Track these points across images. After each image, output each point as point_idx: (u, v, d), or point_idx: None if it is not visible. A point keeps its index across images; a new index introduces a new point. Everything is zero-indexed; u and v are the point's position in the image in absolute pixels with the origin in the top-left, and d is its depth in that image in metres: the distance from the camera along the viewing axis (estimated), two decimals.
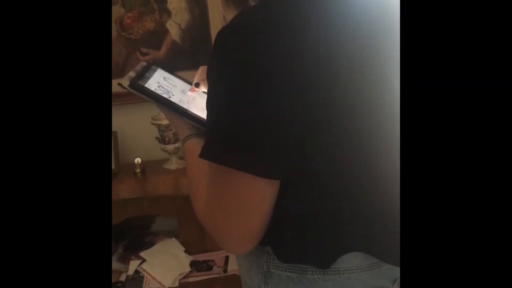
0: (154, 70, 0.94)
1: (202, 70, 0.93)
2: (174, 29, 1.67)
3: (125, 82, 0.86)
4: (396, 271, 0.74)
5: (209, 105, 0.66)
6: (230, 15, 0.77)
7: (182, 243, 1.63)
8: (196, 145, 0.81)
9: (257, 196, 0.64)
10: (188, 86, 0.97)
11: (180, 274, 1.46)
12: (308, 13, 0.61)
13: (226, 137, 0.62)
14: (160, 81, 0.91)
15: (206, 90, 0.93)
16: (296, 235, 0.69)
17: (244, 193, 0.64)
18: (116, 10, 1.65)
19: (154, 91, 0.87)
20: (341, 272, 0.71)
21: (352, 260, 0.71)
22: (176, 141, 1.65)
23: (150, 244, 1.66)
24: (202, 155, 0.65)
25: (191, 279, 1.46)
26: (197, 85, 0.92)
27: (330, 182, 0.66)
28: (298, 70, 0.59)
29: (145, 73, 0.91)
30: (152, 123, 1.64)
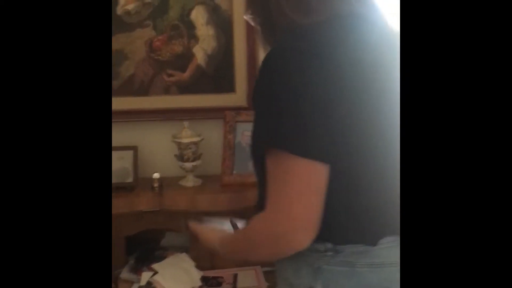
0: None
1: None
2: (200, 54, 1.77)
3: None
4: None
5: (266, 111, 0.79)
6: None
7: (192, 259, 1.68)
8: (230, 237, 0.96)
9: (318, 179, 0.77)
10: None
11: None
12: (335, 38, 0.80)
13: (288, 129, 0.76)
14: None
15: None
16: (347, 218, 0.81)
17: (306, 177, 0.76)
18: (147, 33, 1.75)
19: None
20: (385, 265, 0.82)
21: (394, 255, 0.80)
22: (194, 159, 1.72)
23: (161, 258, 1.71)
24: (272, 143, 0.77)
25: None
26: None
27: (371, 171, 0.80)
28: (338, 79, 0.77)
29: None
30: (173, 141, 1.71)
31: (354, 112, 0.79)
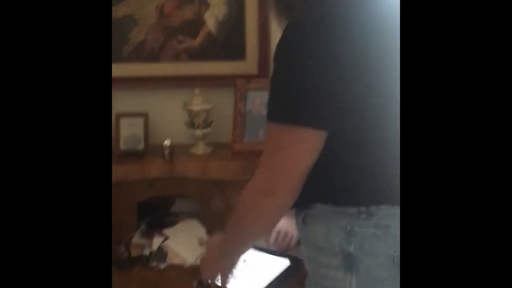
0: None
1: None
2: (211, 21, 1.75)
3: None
4: None
5: (275, 79, 0.82)
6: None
7: (203, 225, 1.71)
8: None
9: (303, 149, 0.80)
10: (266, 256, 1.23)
11: (202, 253, 1.54)
12: (345, 11, 0.80)
13: (288, 101, 0.79)
14: None
15: None
16: (372, 179, 0.84)
17: (293, 146, 0.80)
18: None
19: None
20: None
21: None
22: (205, 127, 1.72)
23: (172, 224, 1.74)
24: (271, 118, 0.81)
25: None
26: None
27: (392, 135, 0.79)
28: (344, 49, 0.78)
29: None
30: (184, 108, 1.71)
31: (370, 79, 0.79)
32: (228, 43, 1.77)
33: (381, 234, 0.84)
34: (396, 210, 0.83)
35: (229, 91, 1.75)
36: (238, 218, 0.92)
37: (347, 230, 0.85)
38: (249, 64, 1.77)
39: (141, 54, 1.77)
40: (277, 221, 0.89)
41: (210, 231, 1.68)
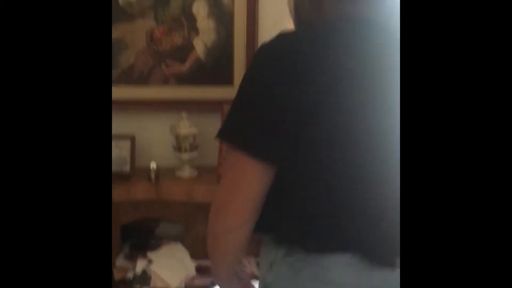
0: None
1: None
2: (200, 47, 1.78)
3: None
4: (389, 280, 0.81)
5: (235, 98, 0.82)
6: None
7: (187, 248, 1.71)
8: None
9: (248, 176, 0.78)
10: None
11: (186, 277, 1.54)
12: (323, 47, 0.77)
13: (236, 125, 0.80)
14: None
15: None
16: (290, 219, 0.81)
17: (239, 170, 0.78)
18: (148, 23, 1.76)
19: None
20: (334, 283, 0.80)
21: (347, 275, 0.79)
22: (191, 150, 1.74)
23: (156, 247, 1.74)
24: (218, 134, 0.81)
25: (196, 282, 1.54)
26: None
27: (322, 176, 0.78)
28: (309, 88, 0.74)
29: None
30: (171, 132, 1.73)
31: (321, 116, 0.75)
32: (216, 68, 1.80)
33: (290, 276, 0.82)
34: (309, 258, 0.80)
35: (216, 116, 1.78)
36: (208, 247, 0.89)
37: (269, 262, 0.85)
38: (236, 90, 1.80)
39: (130, 77, 1.80)
40: (234, 246, 0.83)
41: (193, 255, 1.68)
